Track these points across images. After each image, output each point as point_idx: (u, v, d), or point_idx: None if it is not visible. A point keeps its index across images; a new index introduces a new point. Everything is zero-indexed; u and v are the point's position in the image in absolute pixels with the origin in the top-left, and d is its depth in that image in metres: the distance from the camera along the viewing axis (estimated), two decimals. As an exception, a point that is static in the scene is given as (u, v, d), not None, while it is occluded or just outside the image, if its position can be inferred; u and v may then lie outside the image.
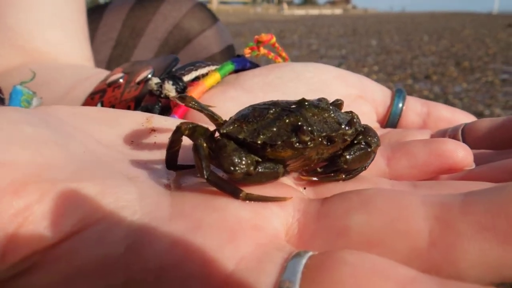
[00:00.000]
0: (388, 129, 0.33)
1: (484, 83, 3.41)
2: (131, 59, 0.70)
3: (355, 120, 0.20)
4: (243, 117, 0.20)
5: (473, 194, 0.14)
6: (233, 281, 0.14)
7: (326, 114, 0.19)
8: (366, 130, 0.21)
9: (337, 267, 0.13)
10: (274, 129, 0.18)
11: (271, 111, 0.19)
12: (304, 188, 0.20)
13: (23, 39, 0.51)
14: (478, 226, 0.13)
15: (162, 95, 0.33)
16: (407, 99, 0.35)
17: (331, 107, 0.20)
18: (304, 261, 0.14)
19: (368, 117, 0.34)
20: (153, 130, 0.23)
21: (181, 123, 0.20)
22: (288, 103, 0.20)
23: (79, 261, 0.15)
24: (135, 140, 0.22)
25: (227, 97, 0.32)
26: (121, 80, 0.37)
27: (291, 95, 0.32)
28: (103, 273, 0.15)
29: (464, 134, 0.28)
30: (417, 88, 3.30)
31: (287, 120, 0.19)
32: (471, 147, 0.26)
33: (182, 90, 0.33)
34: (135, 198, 0.17)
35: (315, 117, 0.19)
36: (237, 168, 0.17)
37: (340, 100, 0.22)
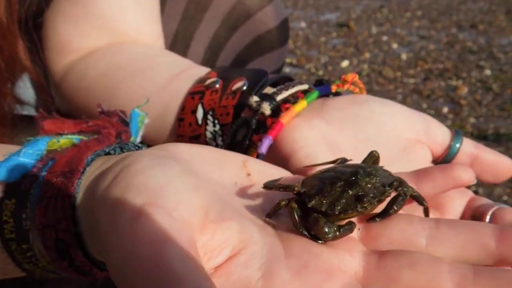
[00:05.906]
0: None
1: (534, 36, 3.23)
2: (196, 31, 0.77)
3: (395, 183, 0.30)
4: (319, 191, 0.29)
5: (484, 270, 0.24)
6: None
7: (374, 180, 0.29)
8: (402, 183, 0.31)
9: None
10: (344, 201, 0.28)
11: (338, 185, 0.29)
12: (359, 229, 0.30)
13: (111, 22, 0.58)
14: None
15: (259, 112, 0.40)
16: (463, 140, 0.40)
17: (377, 171, 0.30)
18: None
19: (423, 160, 0.40)
20: (248, 174, 0.31)
21: (280, 200, 0.29)
22: (346, 173, 0.30)
23: (234, 277, 0.24)
24: (238, 182, 0.31)
25: (311, 125, 0.39)
26: (217, 85, 0.43)
27: (362, 133, 0.40)
28: None
29: (492, 217, 0.35)
30: (461, 38, 3.16)
31: (350, 193, 0.29)
32: None
33: (275, 108, 0.40)
34: (258, 235, 0.27)
35: (368, 185, 0.29)
36: (329, 236, 0.28)
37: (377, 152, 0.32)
